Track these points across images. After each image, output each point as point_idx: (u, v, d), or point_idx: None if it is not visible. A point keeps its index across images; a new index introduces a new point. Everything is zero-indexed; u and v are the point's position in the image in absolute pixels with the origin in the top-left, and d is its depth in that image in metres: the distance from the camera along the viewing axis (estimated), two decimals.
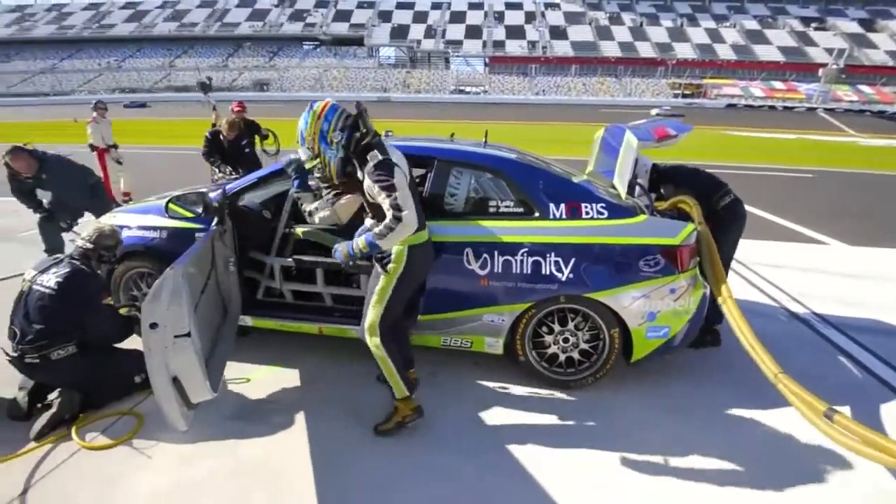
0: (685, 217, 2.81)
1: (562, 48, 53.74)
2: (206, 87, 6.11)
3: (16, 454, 2.14)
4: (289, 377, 2.77)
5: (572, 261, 2.44)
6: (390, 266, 2.07)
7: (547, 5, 61.35)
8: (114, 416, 2.39)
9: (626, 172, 2.67)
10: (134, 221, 2.94)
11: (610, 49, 53.01)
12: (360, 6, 60.54)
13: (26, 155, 3.92)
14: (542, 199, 2.53)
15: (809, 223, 6.35)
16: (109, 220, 3.02)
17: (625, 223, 2.52)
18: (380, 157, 1.96)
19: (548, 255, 2.45)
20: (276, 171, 2.77)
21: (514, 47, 54.29)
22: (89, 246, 2.47)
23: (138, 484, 1.98)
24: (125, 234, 2.83)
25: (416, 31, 56.64)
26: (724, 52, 51.21)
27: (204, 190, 2.83)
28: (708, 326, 2.95)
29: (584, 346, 2.60)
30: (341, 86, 47.68)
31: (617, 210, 2.55)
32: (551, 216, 2.51)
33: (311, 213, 2.46)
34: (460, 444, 2.24)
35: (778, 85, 45.60)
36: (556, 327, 2.57)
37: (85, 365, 2.36)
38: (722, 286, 2.62)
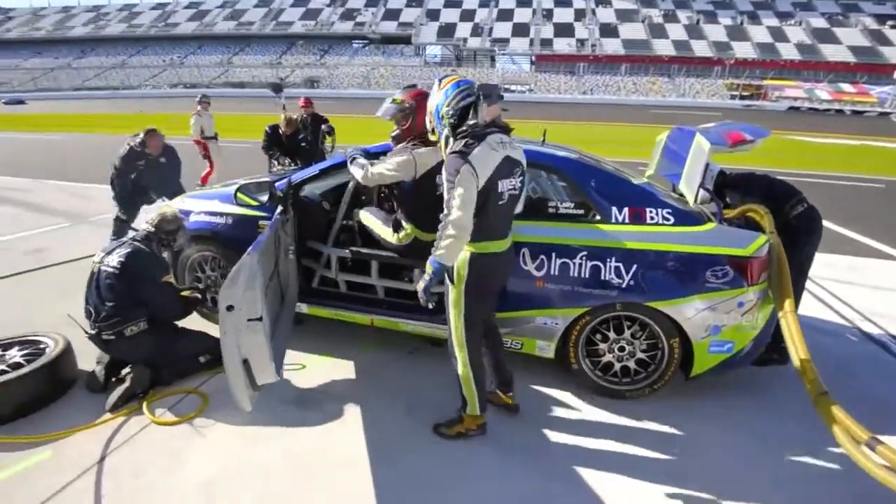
0: (755, 226, 2.67)
1: (612, 46, 52.23)
2: (278, 88, 6.52)
3: (93, 423, 2.30)
4: (342, 367, 2.83)
5: (633, 267, 2.35)
6: (455, 276, 1.98)
7: (598, 2, 59.79)
8: (180, 393, 2.53)
9: (695, 178, 2.55)
10: (201, 207, 3.09)
11: (663, 47, 51.06)
12: (408, 5, 61.11)
13: (160, 136, 4.63)
14: (604, 202, 2.46)
15: (882, 237, 5.88)
16: (179, 204, 3.20)
17: (691, 230, 2.41)
18: (458, 148, 1.83)
19: (607, 260, 2.37)
20: (337, 164, 2.84)
21: (562, 45, 53.25)
22: (151, 230, 2.65)
23: (203, 461, 2.09)
24: (193, 218, 2.99)
25: (463, 29, 56.59)
26: (788, 52, 48.22)
27: (269, 179, 2.94)
28: (775, 344, 2.78)
29: (640, 355, 2.51)
30: (388, 83, 48.24)
31: (684, 216, 2.44)
32: (613, 220, 2.43)
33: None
34: (511, 446, 2.22)
35: (847, 87, 42.41)
36: (612, 335, 2.50)
37: (155, 342, 2.53)
38: (786, 300, 2.45)
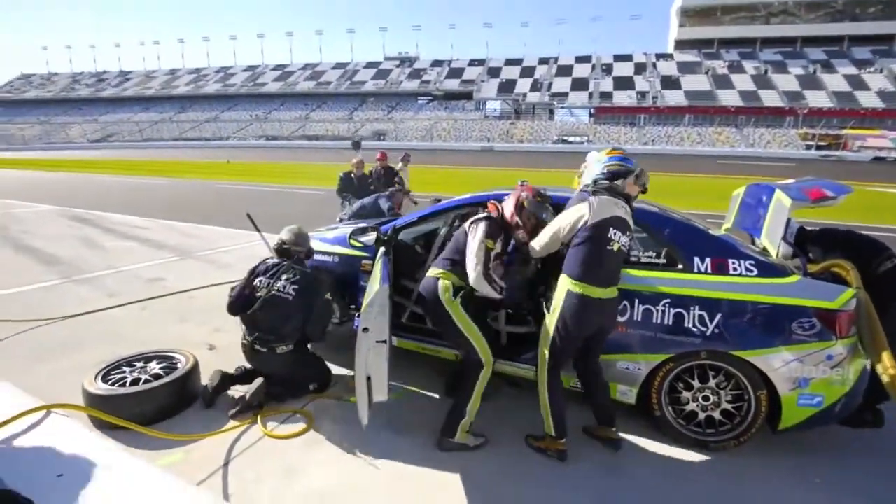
0: (840, 282, 2.67)
1: (674, 98, 52.01)
2: (357, 145, 7.39)
3: (217, 431, 2.62)
4: (431, 399, 3.04)
5: (718, 316, 2.44)
6: (552, 305, 2.32)
7: (659, 56, 60.30)
8: (288, 412, 2.83)
9: (777, 232, 2.63)
10: (318, 247, 3.56)
11: (729, 98, 50.12)
12: (471, 64, 64.80)
13: None
14: (687, 252, 2.59)
15: None
16: None
17: (776, 282, 2.47)
18: (588, 189, 2.37)
19: (691, 308, 2.48)
20: (431, 213, 3.19)
21: (622, 97, 53.73)
22: (296, 248, 3.05)
23: (312, 475, 2.33)
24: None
25: (523, 84, 58.82)
26: (868, 100, 45.69)
27: (375, 224, 3.36)
28: (868, 405, 2.68)
29: (726, 406, 2.53)
30: (449, 136, 50.60)
31: (767, 268, 2.52)
32: (695, 269, 2.55)
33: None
34: (595, 489, 2.31)
35: None
36: (696, 384, 2.55)
37: (290, 363, 2.91)
38: (884, 355, 2.40)
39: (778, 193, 2.72)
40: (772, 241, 2.66)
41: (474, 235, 2.44)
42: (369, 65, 68.91)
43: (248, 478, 2.30)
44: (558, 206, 2.82)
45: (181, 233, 8.41)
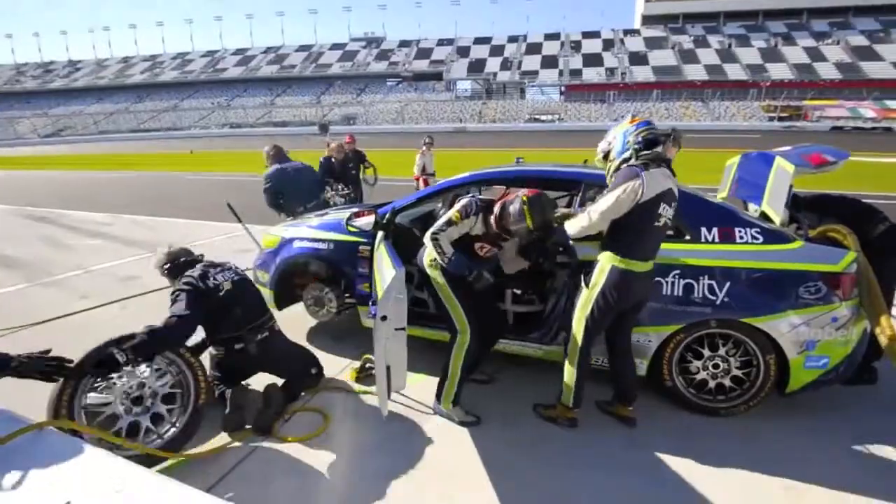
0: (837, 246, 2.71)
1: (642, 74, 52.54)
2: (324, 128, 7.22)
3: (229, 443, 2.48)
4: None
5: (727, 285, 2.44)
6: (591, 279, 2.27)
7: (626, 32, 60.61)
8: (304, 411, 2.70)
9: (780, 199, 2.64)
10: (303, 234, 3.41)
11: (695, 73, 50.94)
12: (440, 44, 63.64)
13: None
14: (693, 223, 2.58)
15: None
16: (281, 232, 3.51)
17: (781, 248, 2.49)
18: (636, 164, 2.18)
19: (700, 279, 2.47)
20: (431, 193, 3.08)
21: (592, 75, 53.94)
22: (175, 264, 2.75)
23: (331, 473, 2.24)
24: (297, 245, 3.29)
25: (493, 64, 58.27)
26: (827, 72, 47.20)
27: (373, 207, 3.23)
28: (864, 363, 2.77)
29: (735, 372, 2.56)
30: (420, 118, 49.88)
31: (772, 235, 2.53)
32: (703, 239, 2.54)
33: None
34: (613, 459, 2.30)
35: (893, 104, 40.95)
36: (706, 352, 2.56)
37: (283, 342, 2.82)
38: (882, 318, 2.46)
39: (779, 160, 2.72)
40: (775, 209, 2.67)
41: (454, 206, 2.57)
42: (334, 46, 66.80)
43: (261, 480, 2.20)
44: (573, 181, 2.79)
45: (149, 228, 8.03)
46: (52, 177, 17.72)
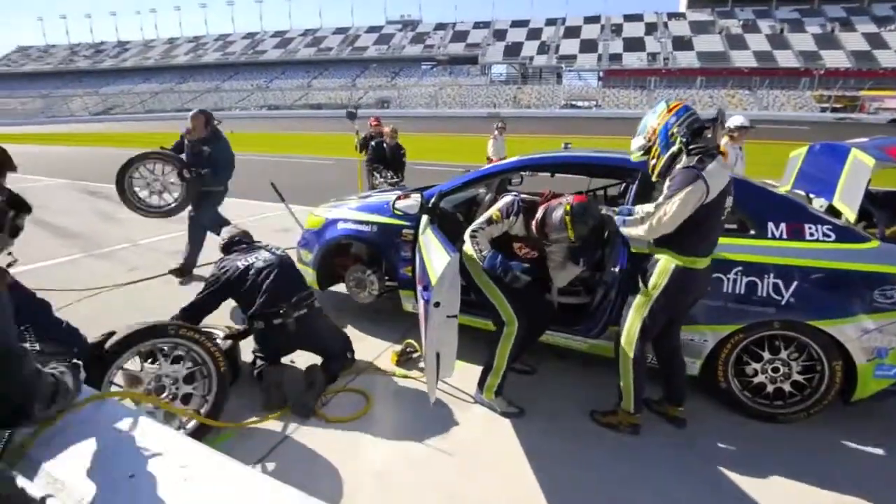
0: None
1: (686, 59, 50.26)
2: (352, 116, 7.21)
3: (273, 415, 2.51)
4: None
5: (794, 284, 2.29)
6: (651, 281, 2.13)
7: (671, 15, 57.99)
8: (346, 391, 2.72)
9: (856, 194, 2.46)
10: (348, 216, 3.41)
11: (743, 59, 48.37)
12: (476, 26, 62.59)
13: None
14: (759, 217, 2.42)
15: None
16: (325, 213, 3.53)
17: (855, 248, 2.31)
18: (692, 164, 1.96)
19: (765, 277, 2.33)
20: (477, 178, 3.01)
21: (633, 60, 51.99)
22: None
23: (372, 454, 2.25)
24: (341, 226, 3.30)
25: (530, 47, 56.93)
26: (888, 59, 43.87)
27: (407, 191, 3.19)
28: None
29: (796, 377, 2.42)
30: (454, 102, 49.43)
31: (845, 233, 2.35)
32: (769, 235, 2.39)
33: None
34: (662, 460, 2.22)
35: None
36: (766, 355, 2.43)
37: (324, 320, 2.83)
38: None
39: (856, 153, 2.53)
40: (849, 205, 2.49)
41: (497, 203, 2.53)
42: (371, 29, 66.72)
43: (303, 459, 2.23)
44: (627, 169, 2.67)
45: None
46: (103, 153, 18.50)
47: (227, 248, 2.94)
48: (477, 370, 2.61)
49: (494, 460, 2.20)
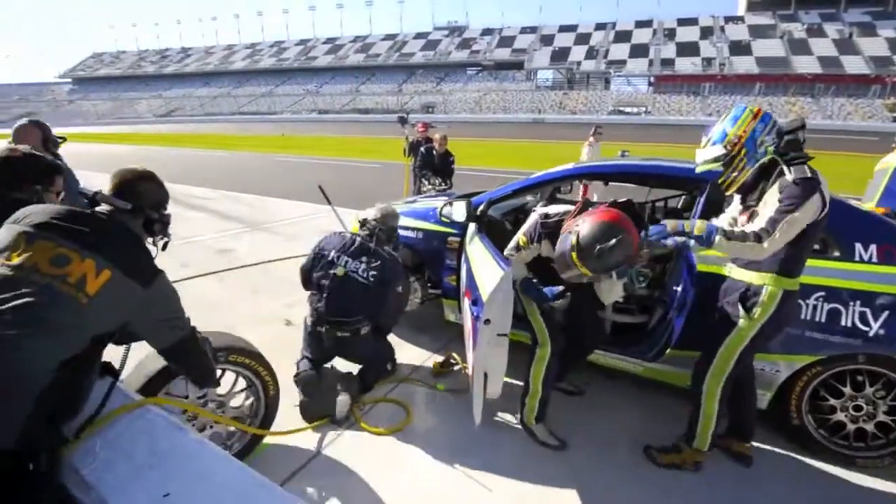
0: None
1: (744, 65, 47.87)
2: (403, 121, 7.35)
3: (313, 425, 2.46)
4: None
5: (885, 314, 2.04)
6: (756, 309, 1.88)
7: (728, 19, 55.45)
8: (385, 402, 2.66)
9: None
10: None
11: (806, 65, 45.52)
12: (523, 31, 62.22)
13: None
14: (845, 237, 2.18)
15: None
16: None
17: None
18: (808, 175, 1.72)
19: (851, 304, 2.09)
20: (528, 186, 2.90)
21: (686, 65, 50.03)
22: (382, 227, 2.73)
23: (409, 474, 2.17)
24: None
25: (577, 52, 55.96)
26: None
27: (454, 198, 3.12)
28: None
29: (882, 417, 2.16)
30: (498, 108, 49.28)
31: None
32: (857, 258, 2.15)
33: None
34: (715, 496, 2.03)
35: None
36: (847, 391, 2.18)
37: (374, 343, 2.73)
38: None
39: None
40: None
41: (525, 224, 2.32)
42: (418, 35, 67.71)
43: (341, 469, 2.18)
44: (693, 179, 2.46)
45: (245, 204, 8.56)
46: (162, 153, 19.64)
47: (363, 224, 2.80)
48: (517, 385, 2.48)
49: (538, 492, 2.06)
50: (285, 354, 2.95)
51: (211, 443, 1.30)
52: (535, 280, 2.26)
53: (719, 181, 1.95)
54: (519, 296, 2.27)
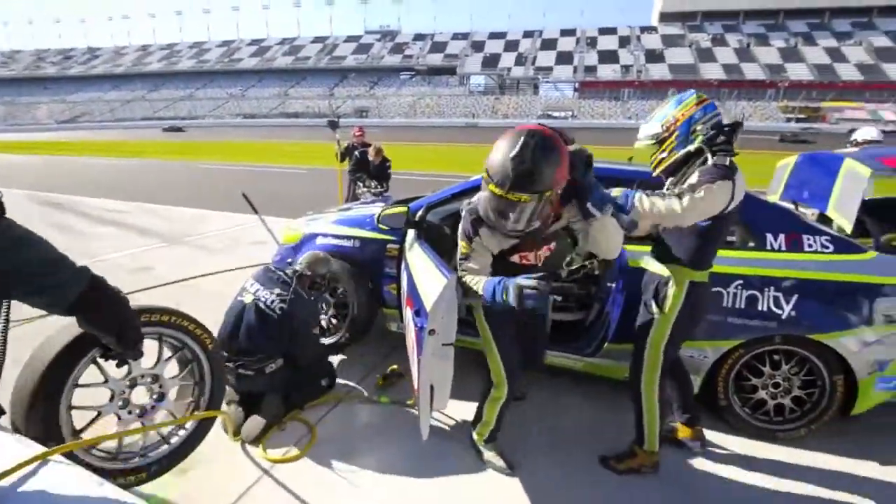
0: None
1: (658, 71, 51.78)
2: (334, 125, 7.05)
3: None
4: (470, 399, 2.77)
5: (794, 297, 2.22)
6: (666, 303, 1.91)
7: (643, 29, 59.73)
8: (292, 420, 2.47)
9: (852, 205, 2.41)
10: (328, 230, 3.21)
11: (712, 71, 50.12)
12: (454, 37, 63.30)
13: None
14: (757, 228, 2.35)
15: None
16: (304, 228, 3.33)
17: (853, 259, 2.26)
18: (726, 163, 1.75)
19: (766, 290, 2.25)
20: (467, 189, 2.87)
21: (607, 72, 53.31)
22: (306, 272, 2.62)
23: (356, 485, 2.07)
24: (320, 241, 3.11)
25: (507, 59, 57.83)
26: (847, 73, 46.16)
27: (391, 203, 3.03)
28: None
29: (797, 392, 2.34)
30: (433, 112, 49.69)
31: (843, 244, 2.29)
32: (768, 247, 2.32)
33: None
34: (667, 484, 2.10)
35: None
36: (767, 370, 2.35)
37: (288, 374, 2.49)
38: None
39: (849, 163, 2.49)
40: (845, 214, 2.44)
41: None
42: (349, 39, 66.83)
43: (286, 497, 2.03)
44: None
45: (164, 217, 7.91)
46: (68, 162, 17.78)
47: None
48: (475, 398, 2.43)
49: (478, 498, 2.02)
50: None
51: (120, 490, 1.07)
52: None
53: (650, 159, 1.95)
54: (478, 327, 2.03)
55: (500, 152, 1.56)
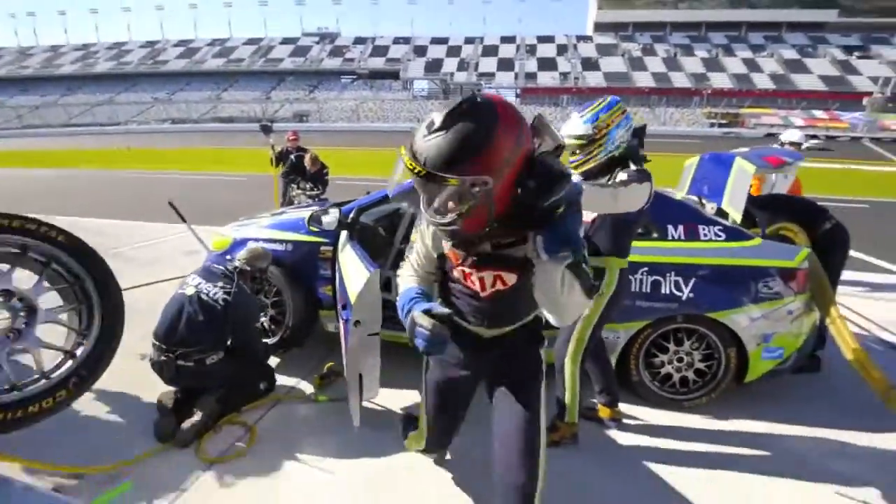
0: (788, 243, 2.85)
1: (594, 79, 54.36)
2: (267, 130, 6.86)
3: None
4: (409, 390, 2.79)
5: (692, 281, 2.50)
6: (603, 286, 2.12)
7: (579, 38, 62.57)
8: (230, 424, 2.46)
9: (740, 198, 2.74)
10: (259, 235, 3.17)
11: (643, 79, 53.33)
12: (396, 42, 63.22)
13: None
14: (660, 220, 2.62)
15: (873, 252, 6.13)
16: (233, 233, 3.26)
17: (742, 245, 2.57)
18: (641, 170, 1.98)
19: (668, 275, 2.51)
20: (397, 193, 2.94)
21: (547, 79, 55.26)
22: (246, 268, 2.64)
23: (294, 485, 2.09)
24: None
25: (450, 64, 58.47)
26: (762, 82, 50.73)
27: (324, 207, 3.05)
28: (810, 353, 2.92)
29: (698, 365, 2.62)
30: (376, 117, 49.30)
31: (733, 233, 2.61)
32: (669, 237, 2.59)
33: None
34: (592, 458, 2.29)
35: (819, 114, 44.47)
36: (672, 346, 2.61)
37: (228, 369, 2.50)
38: (831, 307, 2.61)
39: (739, 161, 2.82)
40: (735, 207, 2.77)
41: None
42: (286, 41, 64.85)
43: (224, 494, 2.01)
44: None
45: (87, 230, 7.30)
46: None
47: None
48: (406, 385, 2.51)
49: (429, 494, 2.09)
50: (143, 391, 2.64)
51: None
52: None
53: (571, 159, 2.09)
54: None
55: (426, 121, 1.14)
